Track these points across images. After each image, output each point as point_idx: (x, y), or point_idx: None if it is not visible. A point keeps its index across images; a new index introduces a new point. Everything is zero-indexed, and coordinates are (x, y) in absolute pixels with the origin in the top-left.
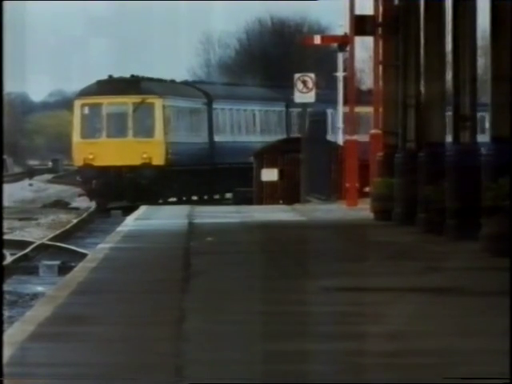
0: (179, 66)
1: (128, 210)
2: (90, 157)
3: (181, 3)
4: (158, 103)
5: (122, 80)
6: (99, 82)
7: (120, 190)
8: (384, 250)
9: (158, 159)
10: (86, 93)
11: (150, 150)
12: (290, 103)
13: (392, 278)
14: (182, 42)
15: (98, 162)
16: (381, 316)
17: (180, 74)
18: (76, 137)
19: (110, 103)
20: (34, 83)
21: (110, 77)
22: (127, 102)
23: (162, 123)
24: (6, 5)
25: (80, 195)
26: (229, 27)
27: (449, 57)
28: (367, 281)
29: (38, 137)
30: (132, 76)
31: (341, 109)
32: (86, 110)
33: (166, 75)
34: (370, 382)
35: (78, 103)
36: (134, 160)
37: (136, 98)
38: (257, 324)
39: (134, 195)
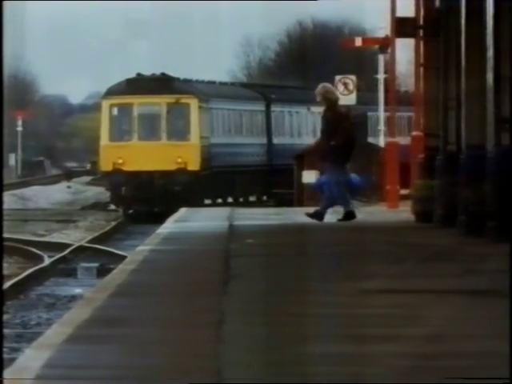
0: (219, 68)
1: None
2: (120, 161)
3: (221, 5)
4: (193, 103)
5: (153, 78)
6: (129, 81)
7: (152, 197)
8: (424, 251)
9: (194, 164)
10: (114, 92)
11: (185, 155)
12: (270, 102)
13: (432, 280)
14: (222, 45)
15: (128, 167)
16: (420, 318)
17: (220, 77)
18: (104, 140)
19: (141, 103)
20: (73, 85)
21: (139, 75)
22: (160, 102)
23: (198, 125)
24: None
25: (106, 203)
26: (269, 29)
27: (490, 59)
28: (407, 283)
29: (76, 139)
30: (162, 74)
31: (382, 111)
32: (115, 111)
33: (205, 77)
34: (409, 383)
35: (106, 103)
36: (168, 165)
37: (170, 98)
38: (296, 326)
39: (167, 203)
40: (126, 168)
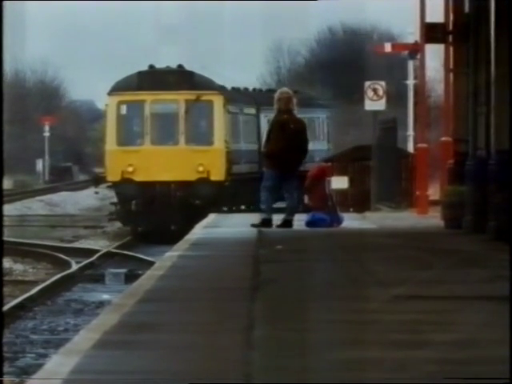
0: (249, 73)
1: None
2: (130, 170)
3: (251, 11)
4: (217, 101)
5: (170, 71)
6: (140, 74)
7: (168, 213)
8: (453, 257)
9: (218, 173)
10: (123, 87)
11: (208, 162)
12: (260, 108)
13: (461, 286)
14: (252, 50)
15: (140, 177)
16: (450, 324)
17: (250, 82)
18: (110, 144)
19: (155, 101)
20: (101, 91)
21: (152, 67)
22: (178, 99)
23: (222, 127)
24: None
25: (110, 220)
26: (299, 35)
27: None
28: (437, 289)
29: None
30: (179, 66)
31: (411, 117)
32: (124, 110)
33: (235, 82)
34: None
35: (113, 100)
36: (187, 174)
37: (189, 94)
38: (326, 332)
39: (186, 220)
40: (136, 178)
